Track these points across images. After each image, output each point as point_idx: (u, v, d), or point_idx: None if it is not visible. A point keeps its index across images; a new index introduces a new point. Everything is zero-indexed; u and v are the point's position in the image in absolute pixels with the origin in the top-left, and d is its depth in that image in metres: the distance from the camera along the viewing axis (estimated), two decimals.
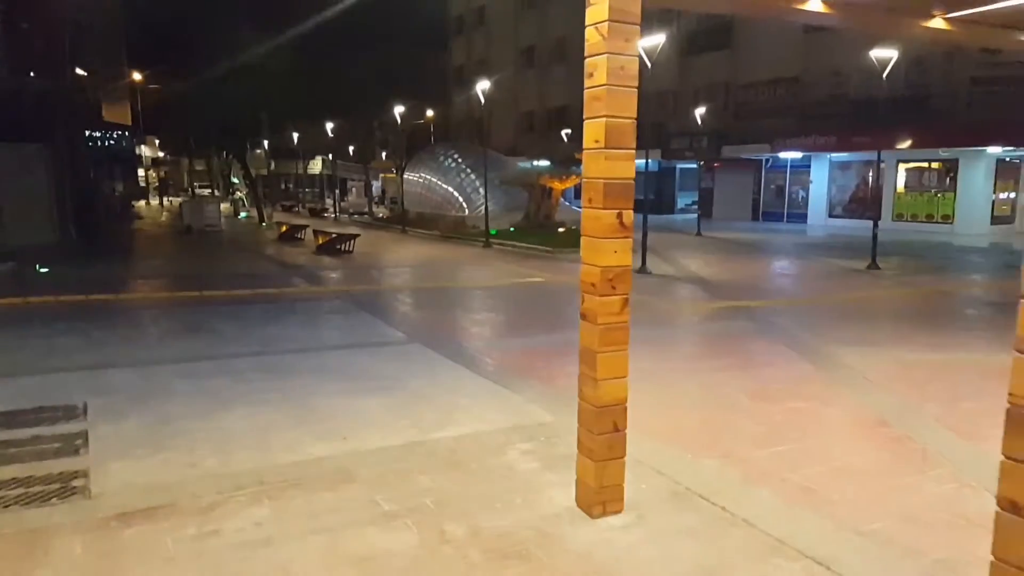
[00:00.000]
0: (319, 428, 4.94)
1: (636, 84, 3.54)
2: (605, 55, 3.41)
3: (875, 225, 15.75)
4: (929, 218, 28.42)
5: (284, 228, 24.87)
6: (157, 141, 65.61)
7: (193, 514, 3.55)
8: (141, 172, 70.13)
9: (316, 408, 5.43)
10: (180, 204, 29.51)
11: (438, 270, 15.84)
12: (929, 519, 3.88)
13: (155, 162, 75.01)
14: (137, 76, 53.95)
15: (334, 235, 19.38)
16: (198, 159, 56.74)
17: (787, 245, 22.83)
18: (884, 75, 15.56)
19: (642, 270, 14.99)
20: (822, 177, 32.71)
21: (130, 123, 59.38)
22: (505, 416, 5.31)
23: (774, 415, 5.64)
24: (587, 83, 3.60)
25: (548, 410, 5.46)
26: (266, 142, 64.08)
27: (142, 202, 56.46)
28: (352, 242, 19.16)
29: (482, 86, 21.70)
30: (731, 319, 9.96)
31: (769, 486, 4.24)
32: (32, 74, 17.49)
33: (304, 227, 23.66)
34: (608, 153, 3.44)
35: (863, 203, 31.33)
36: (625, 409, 3.74)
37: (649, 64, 15.41)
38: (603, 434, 3.68)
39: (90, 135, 28.88)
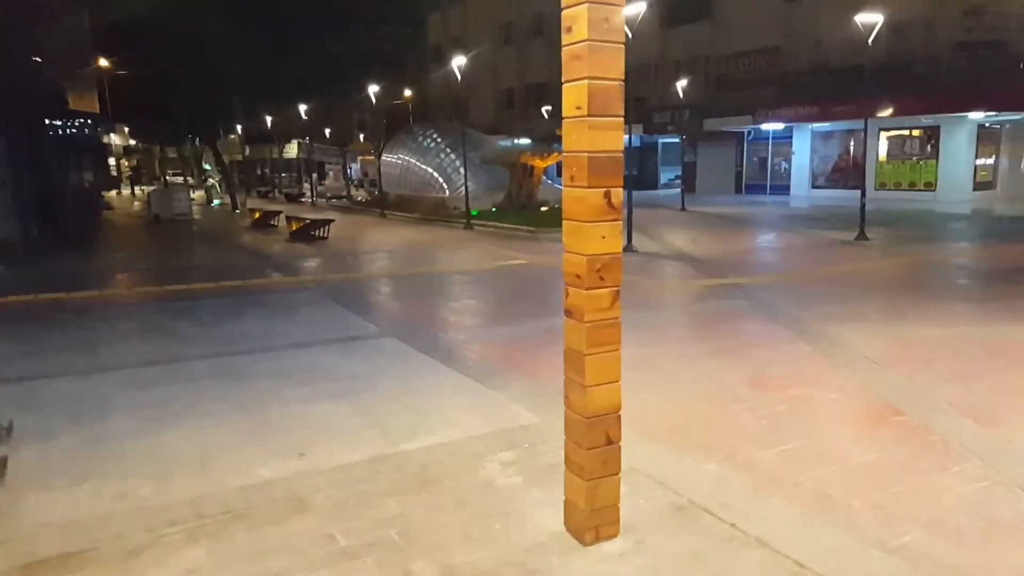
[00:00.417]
0: (274, 443, 4.40)
1: (623, 40, 2.99)
2: (585, 5, 2.85)
3: (863, 195, 15.28)
4: (912, 186, 28.17)
5: (257, 215, 24.12)
6: (127, 129, 64.04)
7: (114, 562, 3.01)
8: (113, 162, 68.68)
9: (272, 418, 4.89)
10: (148, 194, 28.53)
11: (416, 255, 15.25)
12: (960, 527, 3.43)
13: (127, 151, 73.40)
14: (104, 63, 52.46)
15: (308, 221, 18.71)
16: (169, 146, 55.35)
17: (772, 217, 22.42)
18: (870, 40, 15.04)
19: (627, 248, 14.51)
20: (804, 148, 32.32)
21: (99, 111, 57.97)
22: (485, 419, 4.80)
23: (776, 405, 5.18)
24: (565, 40, 3.04)
25: (533, 409, 4.95)
26: (239, 127, 62.81)
27: (113, 192, 55.15)
28: (327, 228, 18.50)
29: (459, 61, 20.96)
30: (721, 297, 9.50)
31: (781, 493, 3.77)
32: None
33: (278, 213, 22.94)
34: (592, 122, 2.89)
35: (845, 173, 31.01)
36: (619, 418, 3.23)
37: (631, 35, 14.79)
38: (594, 448, 3.18)
39: (53, 124, 27.79)
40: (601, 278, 3.05)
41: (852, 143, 30.74)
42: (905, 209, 22.95)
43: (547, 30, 45.22)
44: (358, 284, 11.20)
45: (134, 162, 77.51)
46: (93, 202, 35.40)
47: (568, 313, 3.22)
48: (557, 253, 11.81)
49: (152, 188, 31.85)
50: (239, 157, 71.10)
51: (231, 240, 18.92)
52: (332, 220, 18.73)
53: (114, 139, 63.39)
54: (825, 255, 13.41)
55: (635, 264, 13.08)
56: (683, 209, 25.78)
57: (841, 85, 28.03)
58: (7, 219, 18.77)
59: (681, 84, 28.24)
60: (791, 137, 32.69)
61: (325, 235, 18.40)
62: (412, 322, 8.25)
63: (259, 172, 68.63)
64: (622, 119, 2.99)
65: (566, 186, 3.09)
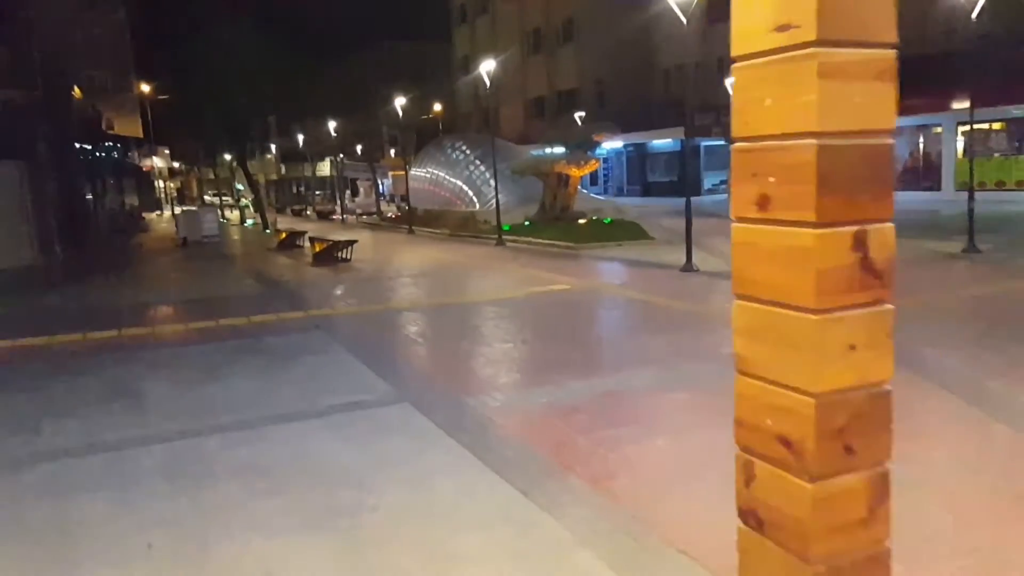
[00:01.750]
0: None
1: None
2: None
3: (971, 197, 13.05)
4: (1000, 185, 25.44)
5: (282, 236, 22.79)
6: (167, 151, 64.06)
7: None
8: (160, 184, 68.84)
9: (211, 570, 3.22)
10: (175, 216, 27.48)
11: (442, 279, 13.60)
12: None
13: (171, 173, 73.68)
14: (146, 88, 52.55)
15: (330, 243, 17.22)
16: (207, 168, 55.01)
17: None
18: (974, 15, 12.93)
19: (687, 267, 12.68)
20: None
21: (140, 135, 57.99)
22: None
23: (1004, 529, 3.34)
24: None
25: (615, 563, 3.19)
26: (273, 146, 62.43)
27: (156, 214, 54.91)
28: (350, 249, 16.98)
29: (487, 67, 19.38)
30: None
31: None
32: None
33: (303, 234, 21.54)
34: (832, 56, 1.16)
35: (917, 173, 28.66)
36: None
37: (684, 20, 13.06)
38: None
39: (85, 148, 26.95)
40: (849, 449, 1.28)
41: (923, 140, 28.42)
42: (1003, 212, 20.16)
43: (578, 34, 43.65)
44: (374, 320, 9.55)
45: (178, 183, 77.89)
46: (128, 225, 34.68)
47: (749, 516, 1.46)
48: (602, 274, 9.98)
49: (181, 210, 30.81)
50: (275, 176, 70.87)
51: (251, 264, 17.54)
52: (355, 241, 17.20)
53: (156, 161, 63.51)
54: (935, 273, 11.33)
55: (701, 289, 11.25)
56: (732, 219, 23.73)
57: (910, 76, 25.79)
58: (26, 246, 17.72)
59: (729, 82, 26.19)
60: None
61: (348, 257, 16.90)
62: (432, 377, 6.56)
63: (295, 190, 68.19)
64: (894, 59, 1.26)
65: (739, 217, 1.36)
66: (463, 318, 9.47)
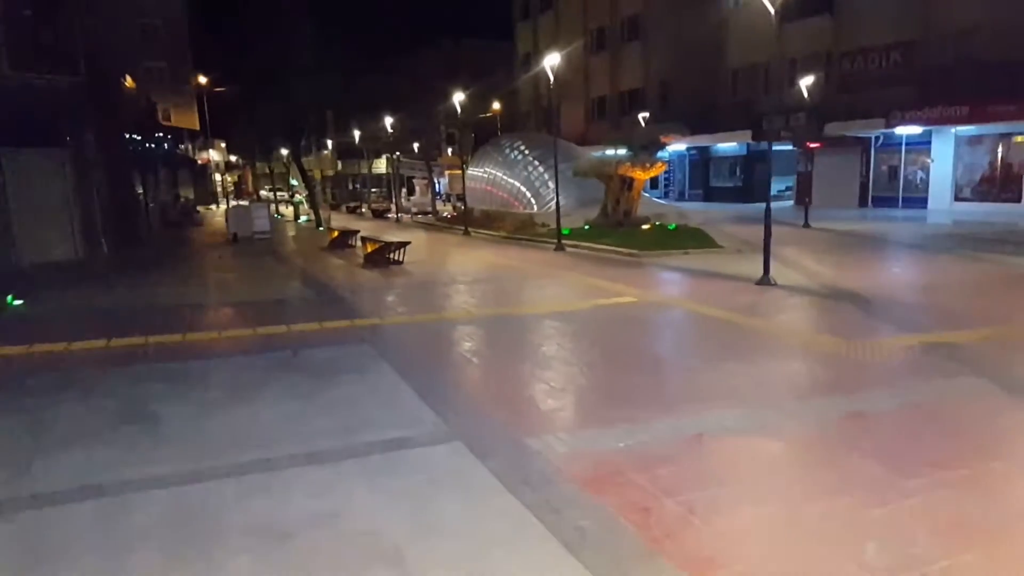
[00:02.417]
0: None
1: None
2: None
3: None
4: None
5: (334, 234, 22.33)
6: (223, 145, 65.04)
7: None
8: (218, 177, 70.08)
9: None
10: (226, 211, 27.35)
11: (499, 287, 12.75)
12: None
13: (228, 166, 74.94)
14: (203, 79, 53.47)
15: (381, 244, 16.57)
16: (263, 162, 55.48)
17: (922, 237, 18.77)
18: None
19: (763, 280, 11.56)
20: (946, 155, 28.06)
21: (197, 127, 59.04)
22: None
23: None
24: None
25: None
26: (329, 142, 62.73)
27: (211, 208, 55.66)
28: (403, 251, 16.31)
29: (551, 60, 18.45)
30: (942, 371, 6.51)
31: None
32: (40, 70, 15.26)
33: (355, 233, 21.02)
34: None
35: (997, 183, 26.70)
36: None
37: (772, 10, 11.93)
38: None
39: (137, 139, 27.04)
40: None
41: (1005, 148, 26.44)
42: None
43: (643, 33, 42.38)
44: (424, 332, 8.74)
45: (235, 177, 79.14)
46: (181, 218, 34.96)
47: None
48: (670, 285, 8.65)
49: (232, 205, 30.77)
50: (331, 172, 71.31)
51: (299, 264, 17.00)
52: (408, 243, 16.51)
53: (212, 154, 64.61)
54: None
55: (782, 305, 10.15)
56: (807, 226, 22.37)
57: (995, 81, 23.98)
58: (68, 239, 17.52)
59: (806, 82, 24.70)
60: (929, 142, 28.51)
61: (400, 259, 16.23)
62: (488, 408, 5.70)
63: (351, 187, 68.48)
64: None
65: None
66: (521, 333, 8.59)
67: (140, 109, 29.02)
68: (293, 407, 5.77)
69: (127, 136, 25.13)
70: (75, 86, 16.48)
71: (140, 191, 27.37)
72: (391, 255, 16.36)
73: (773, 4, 11.86)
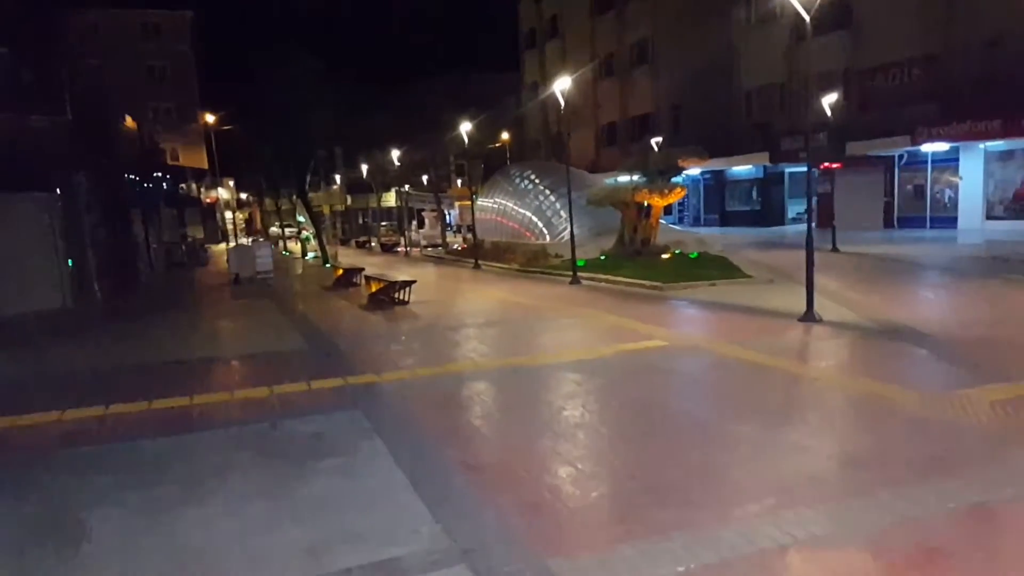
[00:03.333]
0: None
1: None
2: None
3: None
4: None
5: (338, 272, 21.31)
6: (232, 182, 64.69)
7: None
8: (228, 215, 69.68)
9: None
10: (227, 250, 26.44)
11: (513, 329, 11.57)
12: None
13: (239, 204, 74.64)
14: (210, 118, 53.22)
15: (385, 283, 15.50)
16: (270, 199, 54.96)
17: (967, 260, 17.48)
18: None
19: (807, 316, 10.33)
20: (975, 172, 26.78)
21: (206, 166, 58.75)
22: None
23: None
24: None
25: None
26: (338, 177, 62.25)
27: (222, 246, 55.04)
28: (408, 290, 15.22)
29: (562, 84, 17.47)
30: None
31: None
32: (20, 111, 14.43)
33: (359, 271, 19.98)
34: None
35: None
36: None
37: (808, 18, 10.85)
38: None
39: (139, 180, 26.29)
40: None
41: None
42: None
43: (653, 56, 41.61)
44: (426, 392, 7.56)
45: (245, 215, 78.78)
46: (189, 258, 34.14)
47: None
48: (702, 324, 7.10)
49: (233, 244, 29.87)
50: (341, 207, 70.76)
51: (298, 308, 15.92)
52: (413, 282, 15.41)
53: (221, 192, 64.24)
54: None
55: (834, 346, 8.92)
56: (835, 250, 21.12)
57: None
58: (56, 287, 16.55)
59: (829, 100, 23.59)
60: (956, 159, 27.26)
61: (406, 299, 15.13)
62: (500, 505, 4.51)
63: (361, 221, 67.82)
64: None
65: None
66: (538, 390, 7.39)
67: (143, 149, 28.33)
68: (257, 510, 4.60)
69: (127, 177, 24.36)
70: (60, 126, 15.66)
71: (142, 233, 26.56)
72: (396, 295, 15.28)
73: (805, 11, 10.75)
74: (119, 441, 6.23)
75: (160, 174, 27.03)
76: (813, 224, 11.46)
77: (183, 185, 38.15)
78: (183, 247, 34.92)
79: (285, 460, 5.53)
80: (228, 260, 24.29)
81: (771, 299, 12.75)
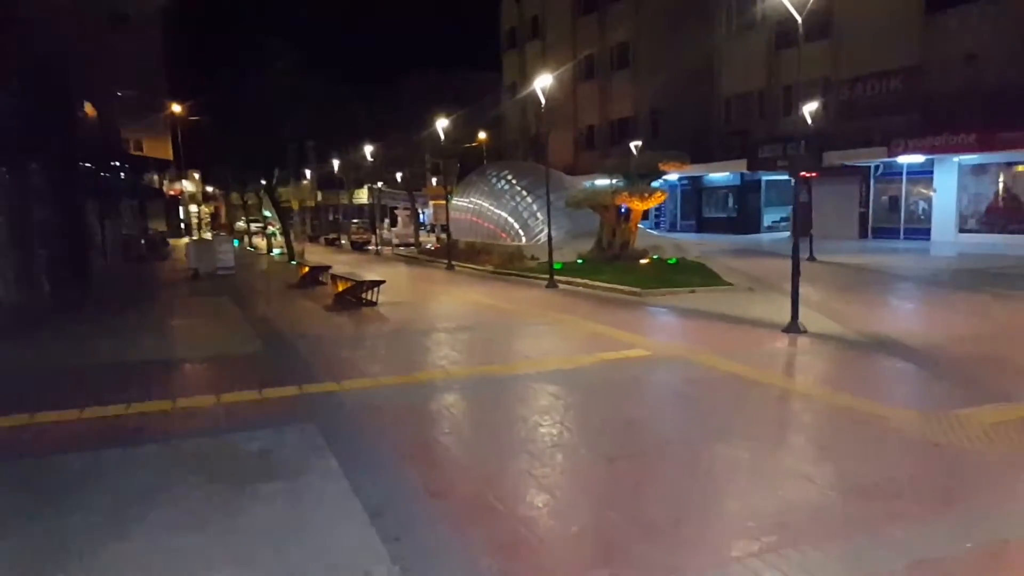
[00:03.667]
0: None
1: None
2: None
3: None
4: None
5: (304, 270, 20.56)
6: (197, 175, 63.15)
7: None
8: (194, 208, 67.97)
9: None
10: (186, 245, 25.48)
11: (487, 335, 10.98)
12: None
13: (205, 197, 72.91)
14: (177, 108, 51.86)
15: (352, 283, 14.83)
16: (237, 193, 53.66)
17: (947, 272, 17.30)
18: None
19: (792, 327, 9.91)
20: (949, 185, 26.83)
21: (170, 157, 57.14)
22: None
23: None
24: None
25: None
26: (308, 172, 61.07)
27: (185, 240, 53.64)
28: (376, 290, 14.57)
29: (542, 82, 16.94)
30: None
31: None
32: None
33: (326, 269, 19.26)
34: None
35: (1004, 214, 25.47)
36: None
37: (799, 19, 10.47)
38: None
39: (97, 169, 25.24)
40: None
41: (1011, 178, 25.25)
42: None
43: (634, 60, 41.33)
44: (389, 404, 6.93)
45: (212, 208, 76.98)
46: (149, 252, 33.00)
47: None
48: (685, 333, 6.56)
49: (193, 239, 28.87)
50: (311, 203, 69.45)
51: (259, 306, 15.16)
52: (382, 282, 14.77)
53: (186, 185, 62.69)
54: None
55: (822, 360, 8.49)
56: (812, 259, 20.91)
57: (1001, 109, 22.84)
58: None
59: (809, 108, 23.38)
60: (931, 172, 27.29)
61: (374, 300, 14.48)
62: (468, 541, 3.93)
63: (332, 217, 66.67)
64: None
65: None
66: (513, 404, 6.83)
67: (103, 138, 27.26)
68: (188, 545, 3.97)
69: (84, 166, 23.33)
70: (9, 109, 14.73)
71: (99, 225, 25.51)
72: (364, 295, 14.61)
73: (798, 12, 10.36)
74: (39, 456, 5.53)
75: (119, 164, 25.92)
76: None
77: (145, 176, 36.92)
78: (143, 240, 33.79)
79: (226, 482, 4.89)
80: (187, 255, 23.36)
81: (752, 308, 12.36)
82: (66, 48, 20.47)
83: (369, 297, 14.55)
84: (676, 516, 4.22)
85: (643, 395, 7.15)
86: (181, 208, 62.64)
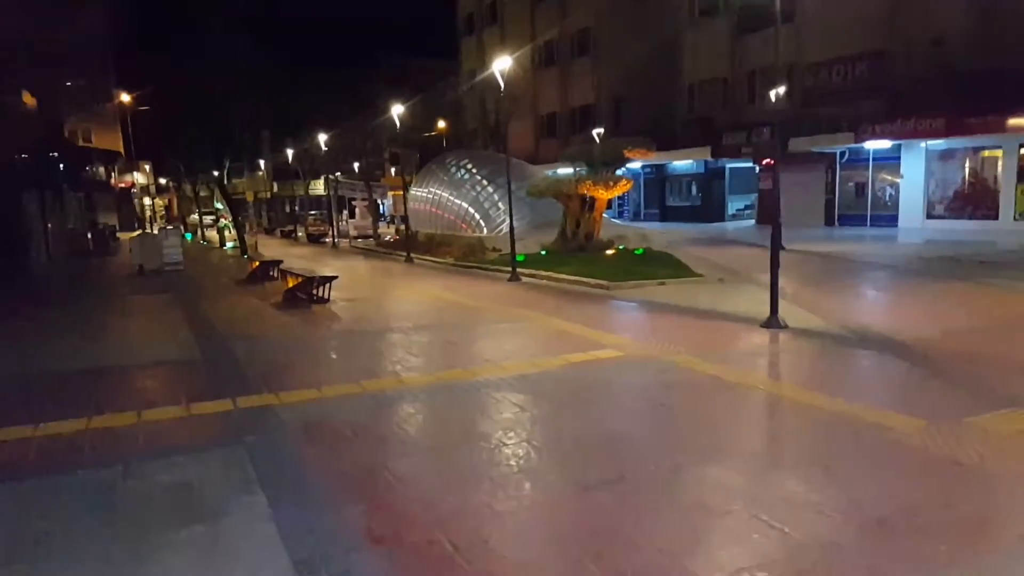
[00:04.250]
0: None
1: None
2: None
3: None
4: None
5: (254, 265, 19.51)
6: (148, 167, 60.82)
7: None
8: (148, 201, 65.51)
9: None
10: (130, 240, 24.15)
11: (446, 335, 10.19)
12: None
13: (160, 190, 70.40)
14: (126, 97, 49.73)
15: (302, 278, 13.89)
16: (189, 184, 51.74)
17: (920, 260, 16.96)
18: None
19: (772, 322, 9.34)
20: (916, 170, 26.71)
21: (120, 149, 54.76)
22: None
23: None
24: None
25: None
26: (262, 162, 59.33)
27: (136, 234, 51.52)
28: (328, 287, 13.67)
29: (501, 65, 16.13)
30: None
31: None
32: None
33: (277, 264, 18.23)
34: None
35: (971, 200, 25.44)
36: None
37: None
38: None
39: (34, 160, 23.68)
40: None
41: (979, 163, 25.20)
42: None
43: (594, 47, 40.64)
44: (332, 421, 6.11)
45: (165, 201, 74.42)
46: (96, 246, 31.34)
47: None
48: (657, 331, 6.02)
49: (137, 233, 27.46)
50: (267, 194, 67.55)
51: (202, 305, 14.14)
52: (335, 277, 13.87)
53: (137, 177, 60.33)
54: None
55: (808, 359, 7.89)
56: (781, 247, 20.36)
57: (969, 93, 22.67)
58: None
59: (777, 92, 22.91)
60: (898, 158, 27.16)
61: (326, 296, 13.58)
62: None
63: (288, 209, 64.94)
64: None
65: None
66: (473, 418, 6.07)
67: (43, 128, 25.63)
68: None
69: (20, 157, 21.87)
70: None
71: (39, 218, 24.04)
72: (315, 292, 13.70)
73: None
74: None
75: (57, 155, 24.41)
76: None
77: (89, 168, 35.14)
78: (89, 234, 32.14)
79: (132, 525, 4.05)
80: (131, 250, 22.07)
81: (726, 300, 11.79)
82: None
83: (320, 294, 13.66)
84: (670, 566, 3.51)
85: (618, 404, 6.45)
86: (136, 201, 60.30)
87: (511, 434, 5.48)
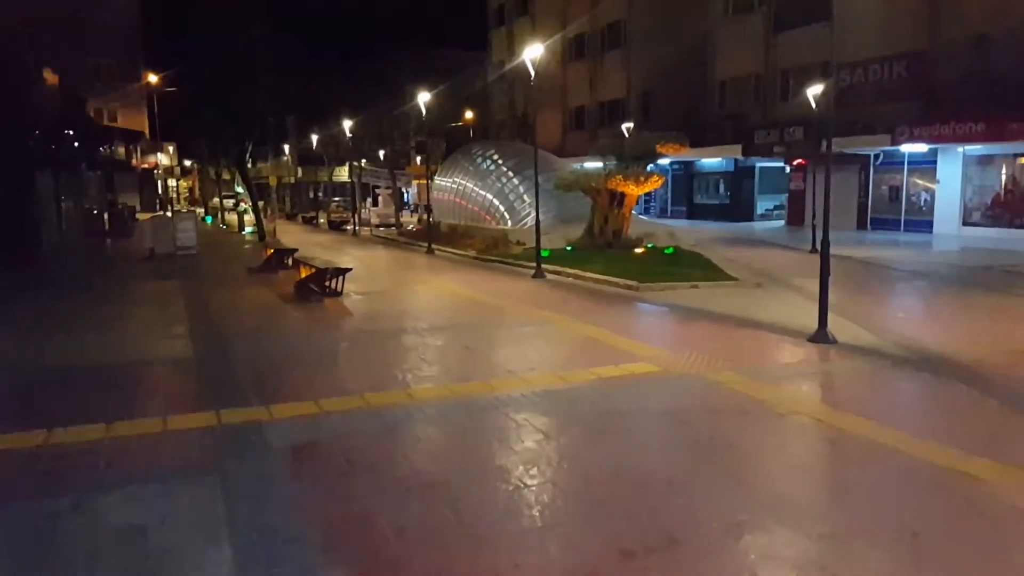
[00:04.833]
0: None
1: None
2: None
3: None
4: None
5: (269, 252, 18.87)
6: (172, 148, 60.61)
7: None
8: (172, 183, 65.44)
9: None
10: (142, 223, 23.64)
11: (464, 338, 9.39)
12: None
13: (185, 172, 70.30)
14: (153, 79, 49.49)
15: (315, 269, 13.17)
16: (211, 167, 51.37)
17: (963, 269, 15.87)
18: None
19: (820, 336, 8.45)
20: (953, 175, 25.48)
21: (145, 130, 54.55)
22: None
23: None
24: None
25: None
26: (287, 147, 58.87)
27: (151, 215, 51.26)
28: (342, 279, 12.95)
29: (532, 53, 15.26)
30: None
31: None
32: None
33: (292, 252, 17.56)
34: None
35: (1010, 207, 24.19)
36: None
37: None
38: None
39: (53, 139, 23.22)
40: None
41: (1019, 171, 23.95)
42: None
43: (626, 41, 39.58)
44: (326, 447, 5.31)
45: (190, 183, 74.32)
46: (114, 228, 30.96)
47: None
48: (695, 341, 5.37)
49: (151, 216, 26.96)
50: (290, 179, 67.13)
51: (209, 295, 13.47)
52: (349, 269, 13.13)
53: (161, 158, 60.17)
54: None
55: (868, 383, 6.98)
56: (815, 251, 19.41)
57: (1015, 96, 21.43)
58: None
59: (813, 91, 21.85)
60: (934, 162, 25.93)
61: (339, 289, 12.87)
62: None
63: (312, 195, 64.51)
64: None
65: None
66: (491, 447, 5.26)
67: (64, 106, 25.16)
68: None
69: (36, 134, 21.36)
70: None
71: (53, 198, 23.56)
72: (328, 284, 12.98)
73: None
74: None
75: (72, 133, 23.91)
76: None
77: (107, 147, 34.75)
78: (106, 215, 31.72)
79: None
80: (144, 232, 21.53)
81: (765, 308, 10.89)
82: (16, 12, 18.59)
83: (334, 286, 12.93)
84: None
85: (658, 435, 5.62)
86: (160, 182, 60.19)
87: (533, 471, 4.67)
